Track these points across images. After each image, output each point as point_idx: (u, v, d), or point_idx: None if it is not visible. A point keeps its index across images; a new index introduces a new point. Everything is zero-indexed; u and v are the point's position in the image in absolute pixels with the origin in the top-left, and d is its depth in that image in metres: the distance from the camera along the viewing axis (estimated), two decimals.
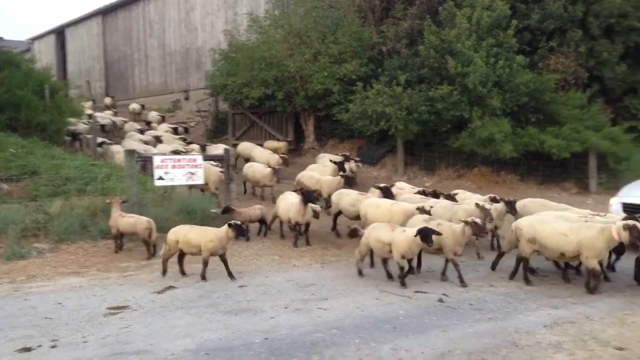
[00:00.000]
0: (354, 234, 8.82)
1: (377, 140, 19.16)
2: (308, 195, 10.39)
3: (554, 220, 8.00)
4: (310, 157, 18.41)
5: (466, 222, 8.05)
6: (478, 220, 8.06)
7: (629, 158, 16.55)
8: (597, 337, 6.12)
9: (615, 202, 10.50)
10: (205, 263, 8.30)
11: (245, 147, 18.02)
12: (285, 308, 7.08)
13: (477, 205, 9.35)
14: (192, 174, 11.03)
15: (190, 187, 12.61)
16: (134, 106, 27.03)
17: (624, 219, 7.57)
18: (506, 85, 15.95)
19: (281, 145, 19.18)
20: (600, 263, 7.82)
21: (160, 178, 10.87)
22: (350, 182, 12.52)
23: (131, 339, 6.02)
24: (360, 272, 8.59)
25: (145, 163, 12.34)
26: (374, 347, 5.85)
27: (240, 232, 8.30)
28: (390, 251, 7.97)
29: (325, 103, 19.17)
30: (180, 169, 10.95)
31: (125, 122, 23.04)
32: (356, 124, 17.85)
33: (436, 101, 16.26)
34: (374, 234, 8.19)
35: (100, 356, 5.57)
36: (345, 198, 11.14)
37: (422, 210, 9.25)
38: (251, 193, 15.23)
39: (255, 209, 11.29)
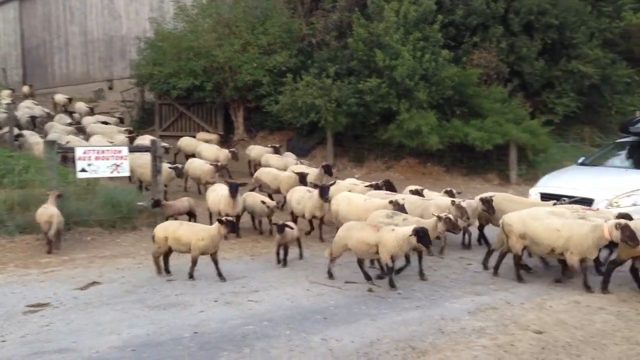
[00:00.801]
0: (281, 230, 8.55)
1: (306, 132, 19.20)
2: (233, 187, 10.28)
3: (546, 216, 7.78)
4: (240, 149, 18.23)
5: (439, 217, 7.90)
6: (451, 216, 7.96)
7: (546, 150, 17.36)
8: (518, 321, 6.38)
9: (534, 193, 10.94)
10: (194, 262, 7.86)
11: (188, 142, 17.26)
12: (215, 301, 6.99)
13: (452, 202, 8.89)
14: (117, 165, 10.67)
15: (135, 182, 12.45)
16: (60, 97, 25.55)
17: (616, 217, 7.51)
18: (432, 79, 16.33)
19: (213, 137, 18.79)
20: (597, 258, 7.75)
21: (83, 170, 10.45)
22: (305, 180, 12.03)
23: (52, 337, 5.78)
24: (331, 275, 7.97)
25: (67, 155, 11.85)
26: (304, 337, 5.87)
27: (233, 228, 7.94)
28: (376, 252, 7.46)
29: (255, 94, 19.01)
30: (104, 160, 10.56)
31: (49, 113, 21.87)
32: (286, 116, 17.81)
33: (365, 94, 16.44)
34: (357, 236, 7.56)
35: (20, 355, 5.32)
36: (294, 195, 10.75)
37: (396, 204, 8.89)
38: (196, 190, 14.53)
39: (183, 201, 11.09)
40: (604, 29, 19.57)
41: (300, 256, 9.14)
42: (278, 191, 12.56)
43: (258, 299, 7.10)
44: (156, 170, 11.31)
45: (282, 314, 6.59)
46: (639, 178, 10.27)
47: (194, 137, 18.37)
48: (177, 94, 19.91)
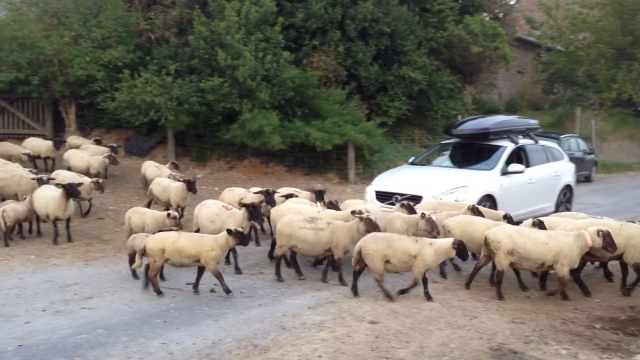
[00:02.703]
0: None
1: (146, 131, 18.48)
2: (70, 189, 9.63)
3: (530, 230, 7.75)
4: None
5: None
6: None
7: (381, 150, 18.34)
8: (354, 313, 6.70)
9: (370, 191, 11.53)
10: (219, 275, 7.19)
11: (34, 144, 15.17)
12: (43, 311, 6.51)
13: (422, 215, 8.34)
14: None
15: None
16: None
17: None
18: (274, 80, 16.52)
19: (86, 142, 16.06)
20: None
21: None
22: (192, 187, 11.12)
23: None
24: (388, 295, 7.29)
25: None
26: (143, 343, 5.68)
27: (243, 239, 7.18)
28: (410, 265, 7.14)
29: (89, 90, 17.89)
30: None
31: None
32: (123, 114, 16.99)
33: (207, 92, 16.20)
34: (397, 246, 7.10)
35: None
36: (206, 211, 9.00)
37: (359, 214, 8.07)
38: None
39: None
40: (430, 38, 21.11)
41: None
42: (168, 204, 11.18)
43: (92, 306, 6.73)
44: None
45: (118, 320, 6.31)
46: (460, 176, 11.25)
47: (22, 136, 16.70)
48: None
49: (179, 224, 9.13)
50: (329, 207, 9.24)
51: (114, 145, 15.51)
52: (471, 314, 6.74)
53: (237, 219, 8.34)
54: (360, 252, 7.21)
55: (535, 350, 5.74)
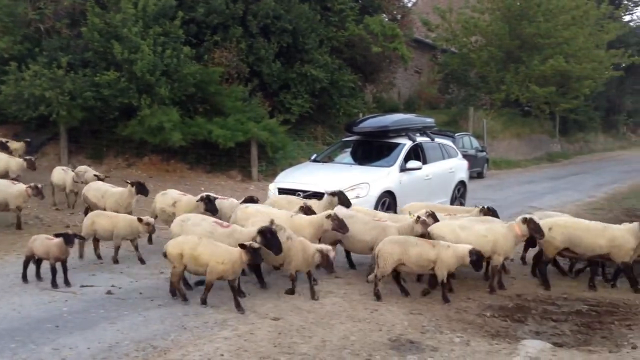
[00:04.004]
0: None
1: (36, 126, 17.44)
2: None
3: (471, 224, 7.97)
4: None
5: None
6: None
7: (284, 148, 18.39)
8: (257, 310, 6.68)
9: (273, 188, 11.52)
10: (209, 287, 6.71)
11: None
12: None
13: (417, 218, 8.06)
14: None
15: None
16: None
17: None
18: (174, 75, 16.12)
19: (18, 146, 14.67)
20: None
21: None
22: (143, 190, 10.03)
23: None
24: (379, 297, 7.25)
25: None
26: (33, 349, 5.38)
27: (256, 257, 6.51)
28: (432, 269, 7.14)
29: None
30: None
31: None
32: (10, 108, 15.98)
33: (102, 87, 15.55)
34: (416, 251, 7.08)
35: None
36: (196, 230, 7.67)
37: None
38: None
39: None
40: (331, 37, 21.42)
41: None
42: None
43: None
44: None
45: (6, 326, 5.93)
46: (361, 173, 11.50)
47: None
48: None
49: (153, 231, 8.62)
50: (305, 213, 8.64)
51: (3, 140, 14.44)
52: (372, 307, 6.91)
53: (242, 237, 7.05)
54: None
55: (431, 339, 5.98)
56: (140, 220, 8.37)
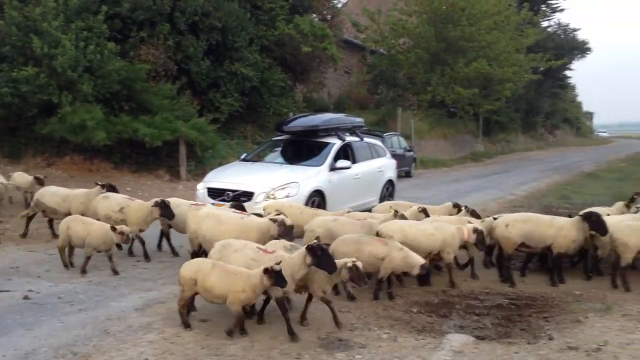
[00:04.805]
0: None
1: None
2: None
3: (419, 222, 8.20)
4: None
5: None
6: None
7: (214, 147, 18.17)
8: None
9: (201, 187, 11.32)
10: (239, 320, 5.90)
11: None
12: None
13: (396, 213, 8.30)
14: None
15: None
16: None
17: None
18: (98, 72, 15.60)
19: None
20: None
21: None
22: (114, 192, 9.65)
23: None
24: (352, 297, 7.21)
25: None
26: None
27: (279, 281, 5.66)
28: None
29: None
30: None
31: None
32: None
33: (20, 83, 14.82)
34: (368, 249, 7.04)
35: None
36: (236, 257, 6.66)
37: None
38: None
39: None
40: (261, 35, 21.34)
41: None
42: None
43: None
44: None
45: None
46: (291, 172, 11.48)
47: None
48: None
49: (127, 240, 8.07)
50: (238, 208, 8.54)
51: None
52: (301, 307, 6.89)
53: (292, 262, 6.08)
54: None
55: (359, 336, 6.03)
56: (114, 229, 7.80)
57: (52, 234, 9.93)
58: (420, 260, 7.17)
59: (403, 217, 8.31)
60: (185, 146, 17.18)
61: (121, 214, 8.72)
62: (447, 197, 16.54)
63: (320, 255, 5.89)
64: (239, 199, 10.43)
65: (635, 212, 9.56)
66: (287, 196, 10.59)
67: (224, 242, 6.63)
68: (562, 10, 49.65)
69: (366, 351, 5.62)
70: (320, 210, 9.75)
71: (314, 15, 24.65)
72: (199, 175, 15.97)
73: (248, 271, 5.83)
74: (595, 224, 7.99)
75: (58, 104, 15.16)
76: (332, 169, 11.75)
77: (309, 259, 5.89)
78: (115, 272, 7.99)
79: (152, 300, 6.97)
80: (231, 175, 11.53)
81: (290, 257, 6.11)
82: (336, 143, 12.32)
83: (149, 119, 16.52)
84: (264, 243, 7.23)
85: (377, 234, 7.76)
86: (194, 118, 17.82)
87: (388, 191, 13.73)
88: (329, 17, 25.70)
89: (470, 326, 6.52)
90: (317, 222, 8.17)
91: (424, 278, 7.72)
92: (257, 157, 13.12)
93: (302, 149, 12.69)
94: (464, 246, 8.19)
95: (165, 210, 8.51)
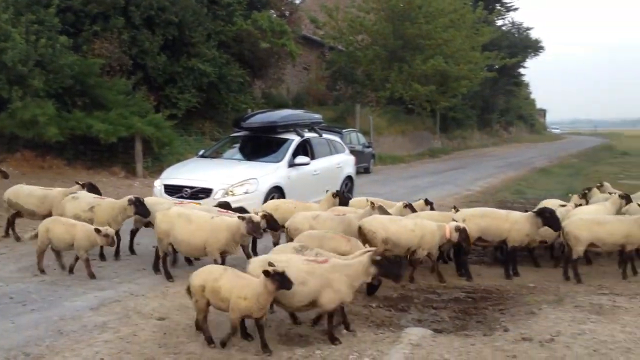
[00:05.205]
0: None
1: None
2: None
3: (400, 218, 8.19)
4: None
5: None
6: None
7: (171, 143, 17.89)
8: (141, 311, 6.43)
9: (158, 184, 11.16)
10: (235, 329, 5.51)
11: None
12: None
13: (372, 205, 8.35)
14: None
15: None
16: None
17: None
18: (49, 66, 15.14)
19: None
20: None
21: None
22: (95, 191, 9.34)
23: None
24: None
25: None
26: None
27: (284, 283, 5.22)
28: None
29: None
30: None
31: None
32: None
33: None
34: (331, 245, 6.89)
35: None
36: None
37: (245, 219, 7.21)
38: None
39: None
40: (219, 31, 21.13)
41: None
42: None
43: None
44: None
45: None
46: (249, 169, 11.42)
47: None
48: None
49: (112, 243, 7.73)
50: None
51: None
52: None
53: (351, 271, 5.77)
54: None
55: (319, 332, 6.03)
56: (98, 231, 7.37)
57: (6, 233, 9.58)
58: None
59: (383, 210, 8.29)
60: (142, 142, 16.87)
61: (91, 213, 8.38)
62: (405, 193, 16.76)
63: (388, 265, 5.74)
64: (197, 196, 10.37)
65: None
66: (246, 192, 10.56)
67: (262, 258, 6.13)
68: (516, 9, 50.69)
69: (326, 346, 5.63)
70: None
71: (272, 11, 24.57)
72: (156, 172, 15.74)
73: (254, 278, 5.46)
74: (549, 219, 8.22)
75: (8, 99, 14.66)
76: (291, 165, 11.74)
77: (373, 270, 5.72)
78: (92, 277, 7.60)
79: (108, 299, 6.83)
80: (189, 172, 11.39)
81: (346, 264, 5.85)
82: (295, 139, 12.30)
83: (104, 115, 16.16)
84: (235, 242, 7.23)
85: (359, 229, 7.81)
86: (151, 114, 17.52)
87: (347, 187, 13.78)
88: (287, 13, 25.67)
89: (428, 320, 6.62)
90: (299, 218, 8.15)
91: (372, 288, 7.32)
92: (216, 154, 12.97)
93: (260, 146, 12.63)
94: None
95: (140, 207, 8.20)
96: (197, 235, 7.24)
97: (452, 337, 6.01)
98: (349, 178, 13.93)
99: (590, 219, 8.42)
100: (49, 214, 8.60)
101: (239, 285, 5.40)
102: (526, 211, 8.89)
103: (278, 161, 11.71)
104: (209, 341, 5.55)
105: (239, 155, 12.60)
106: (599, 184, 11.79)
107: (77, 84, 16.13)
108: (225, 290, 5.40)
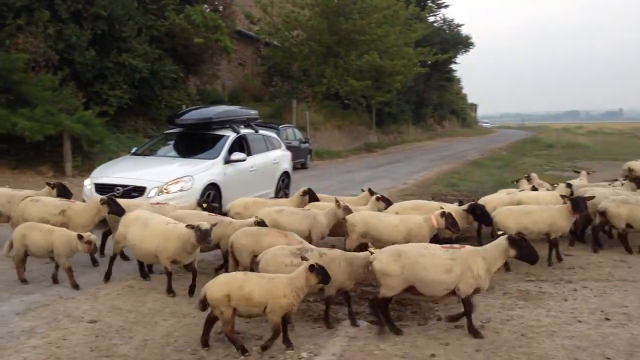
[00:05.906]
0: None
1: None
2: None
3: (384, 214, 8.26)
4: None
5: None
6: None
7: (102, 141, 17.37)
8: (71, 314, 6.23)
9: (89, 184, 10.82)
10: (277, 331, 5.34)
11: None
12: None
13: (337, 202, 8.19)
14: None
15: None
16: None
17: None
18: None
19: None
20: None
21: None
22: (65, 192, 8.91)
23: None
24: None
25: None
26: None
27: (325, 276, 5.30)
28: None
29: None
30: None
31: None
32: None
33: None
34: (267, 241, 6.72)
35: None
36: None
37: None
38: None
39: None
40: (150, 25, 20.65)
41: None
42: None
43: None
44: None
45: None
46: (184, 166, 11.22)
47: None
48: None
49: (95, 250, 7.32)
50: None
51: None
52: (196, 303, 6.76)
53: (491, 255, 5.91)
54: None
55: (256, 328, 6.01)
56: (80, 237, 6.97)
57: None
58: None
59: (347, 208, 8.17)
60: (71, 141, 16.31)
61: (62, 217, 7.97)
62: (343, 188, 16.90)
63: (525, 246, 5.85)
64: (129, 195, 10.10)
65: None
66: (181, 190, 10.37)
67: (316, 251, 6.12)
68: (447, 6, 51.85)
69: (263, 342, 5.61)
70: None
71: (206, 5, 24.16)
72: (87, 171, 15.24)
73: (287, 275, 5.42)
74: (479, 216, 8.56)
75: None
76: (227, 161, 11.61)
77: (512, 252, 5.83)
78: (55, 281, 7.27)
79: (35, 303, 6.57)
80: (121, 170, 11.09)
81: (484, 248, 5.99)
82: (231, 135, 12.18)
83: (29, 112, 15.50)
84: (185, 252, 6.90)
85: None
86: (80, 111, 16.94)
87: (284, 183, 13.79)
88: (220, 8, 25.29)
89: (364, 312, 6.69)
90: (263, 213, 8.03)
91: None
92: (149, 151, 12.67)
93: (195, 142, 12.43)
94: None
95: (114, 207, 7.90)
96: (149, 241, 7.00)
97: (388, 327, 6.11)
98: (286, 174, 13.92)
99: (517, 209, 8.79)
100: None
101: (272, 286, 5.30)
102: (461, 203, 9.14)
103: (214, 158, 11.56)
104: (243, 350, 5.36)
105: (173, 153, 12.36)
106: (526, 175, 12.37)
107: (0, 80, 15.42)
108: (258, 294, 5.25)
